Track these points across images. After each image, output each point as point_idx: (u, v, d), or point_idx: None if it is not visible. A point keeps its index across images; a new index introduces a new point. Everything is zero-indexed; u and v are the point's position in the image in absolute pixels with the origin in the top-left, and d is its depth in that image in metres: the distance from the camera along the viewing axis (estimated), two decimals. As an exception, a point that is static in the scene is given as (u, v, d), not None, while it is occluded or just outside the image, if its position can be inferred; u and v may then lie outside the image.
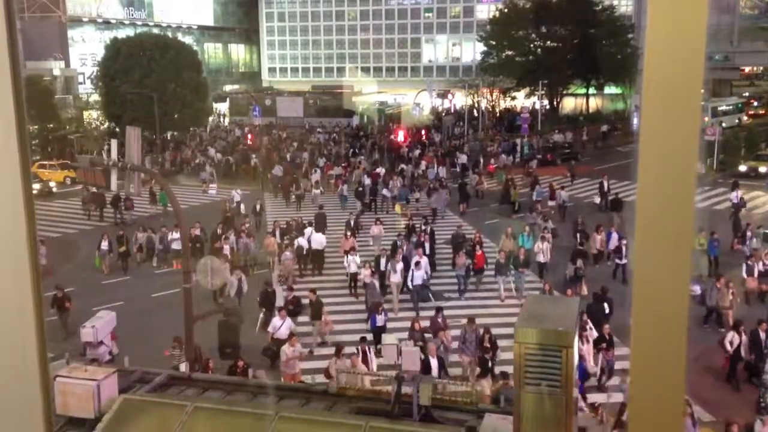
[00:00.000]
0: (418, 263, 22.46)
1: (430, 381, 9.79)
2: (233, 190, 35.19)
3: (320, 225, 28.49)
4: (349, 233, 26.85)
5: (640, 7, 69.48)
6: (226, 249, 25.91)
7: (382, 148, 50.66)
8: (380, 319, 19.35)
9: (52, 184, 42.25)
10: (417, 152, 47.51)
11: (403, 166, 42.80)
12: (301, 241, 26.20)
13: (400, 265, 22.70)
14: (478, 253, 24.26)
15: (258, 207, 32.95)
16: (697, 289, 20.61)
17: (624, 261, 24.40)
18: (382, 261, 23.47)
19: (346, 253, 24.29)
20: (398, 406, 9.21)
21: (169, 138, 55.68)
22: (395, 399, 9.29)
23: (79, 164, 37.56)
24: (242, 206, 33.79)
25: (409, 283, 22.35)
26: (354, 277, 23.67)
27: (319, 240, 26.39)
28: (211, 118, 69.15)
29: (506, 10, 67.42)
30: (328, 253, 26.81)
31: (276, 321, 18.32)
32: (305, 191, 37.69)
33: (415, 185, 38.76)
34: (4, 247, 1.66)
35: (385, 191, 36.98)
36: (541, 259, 24.63)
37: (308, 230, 27.10)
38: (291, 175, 40.40)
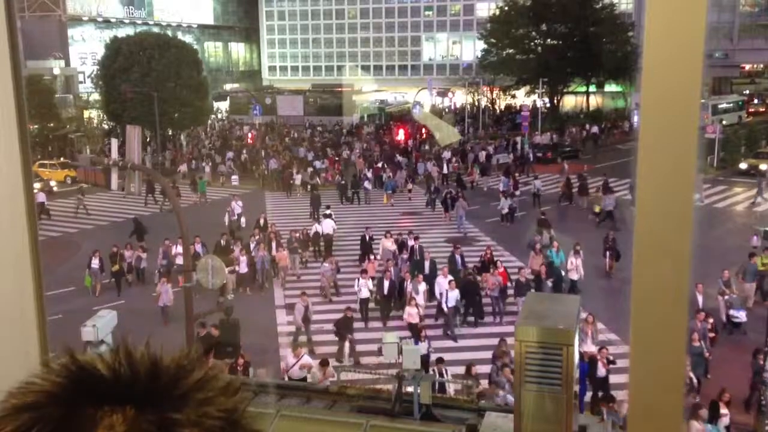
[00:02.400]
0: (451, 282, 20.42)
1: (429, 379, 9.80)
2: (233, 201, 32.10)
3: (315, 205, 32.88)
4: (369, 259, 24.41)
5: (641, 5, 69.34)
6: (243, 265, 24.08)
7: (382, 144, 51.42)
8: (423, 347, 16.72)
9: (52, 183, 42.27)
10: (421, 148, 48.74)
11: (399, 157, 44.29)
12: (317, 227, 28.13)
13: (423, 286, 20.90)
14: (500, 270, 21.98)
15: (262, 221, 29.59)
16: (741, 316, 19.05)
17: None
18: (385, 283, 21.38)
19: (358, 277, 22.05)
20: (399, 405, 9.21)
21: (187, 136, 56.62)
22: (396, 397, 9.30)
23: (79, 163, 37.85)
24: (243, 219, 30.87)
25: (444, 306, 20.33)
26: (365, 302, 21.37)
27: (329, 225, 28.21)
28: (219, 116, 69.79)
29: (506, 8, 67.33)
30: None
31: (289, 359, 16.18)
32: (309, 182, 39.07)
33: (409, 176, 40.09)
34: (5, 246, 1.67)
35: (366, 184, 37.97)
36: (574, 276, 22.19)
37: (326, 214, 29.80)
38: (290, 168, 41.81)
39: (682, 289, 1.45)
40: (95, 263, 24.34)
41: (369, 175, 39.25)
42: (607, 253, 24.40)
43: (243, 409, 0.90)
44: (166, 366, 0.88)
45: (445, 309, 20.37)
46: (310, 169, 41.57)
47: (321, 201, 33.10)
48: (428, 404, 9.13)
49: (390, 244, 25.84)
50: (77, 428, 0.81)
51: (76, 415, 0.82)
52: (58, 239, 31.19)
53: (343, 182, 38.12)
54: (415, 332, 18.34)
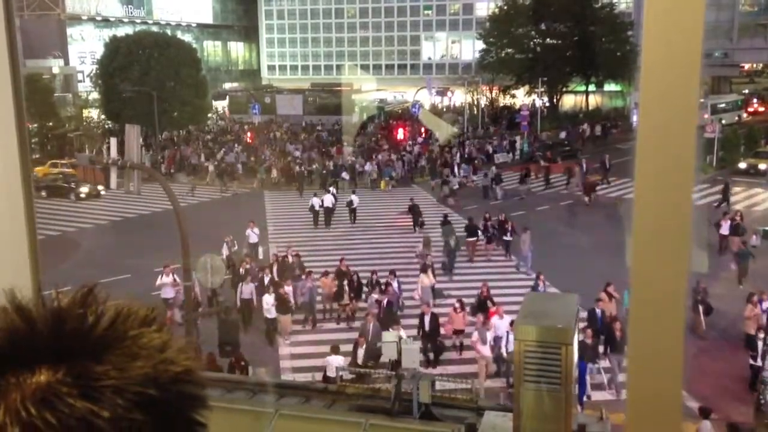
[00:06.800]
0: (512, 323, 16.69)
1: (428, 378, 9.80)
2: (248, 229, 26.67)
3: (301, 182, 38.55)
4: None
5: (640, 4, 69.30)
6: (291, 296, 20.85)
7: (386, 139, 52.96)
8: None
9: None
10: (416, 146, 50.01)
11: (403, 153, 46.79)
12: (313, 200, 32.11)
13: (491, 334, 17.17)
14: (491, 310, 18.27)
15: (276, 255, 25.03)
16: None
17: None
18: (360, 352, 16.88)
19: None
20: (398, 404, 9.21)
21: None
22: (395, 396, 9.30)
23: (78, 162, 37.84)
24: (260, 249, 26.25)
25: (504, 352, 16.88)
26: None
27: (330, 200, 32.49)
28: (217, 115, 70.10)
29: (506, 7, 67.38)
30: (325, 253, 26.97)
31: None
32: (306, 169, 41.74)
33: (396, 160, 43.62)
34: (4, 245, 1.67)
35: (344, 174, 40.35)
36: None
37: (331, 192, 33.82)
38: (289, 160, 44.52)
39: (681, 286, 1.45)
40: None
41: (366, 166, 41.73)
42: (700, 307, 18.23)
43: (174, 347, 0.80)
44: (73, 316, 0.76)
45: (506, 356, 16.82)
46: (297, 160, 43.94)
47: (305, 179, 38.53)
48: (427, 403, 9.14)
49: (429, 280, 21.13)
50: None
51: None
52: (57, 237, 31.15)
53: (324, 172, 40.36)
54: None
